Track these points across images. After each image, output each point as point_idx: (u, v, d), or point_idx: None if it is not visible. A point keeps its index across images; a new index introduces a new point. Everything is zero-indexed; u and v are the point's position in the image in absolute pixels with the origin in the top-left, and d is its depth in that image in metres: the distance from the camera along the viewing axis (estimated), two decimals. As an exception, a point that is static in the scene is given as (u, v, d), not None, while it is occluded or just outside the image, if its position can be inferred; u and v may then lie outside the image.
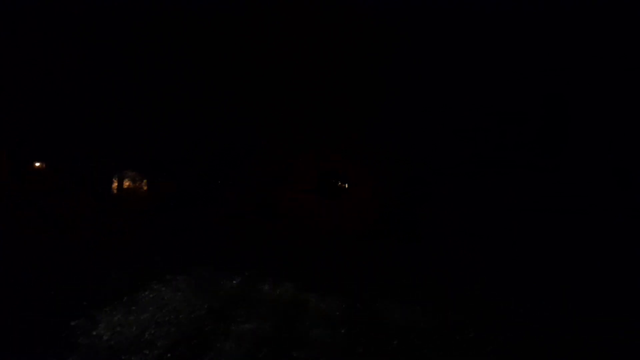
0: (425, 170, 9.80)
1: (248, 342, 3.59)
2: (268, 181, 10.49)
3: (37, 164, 9.76)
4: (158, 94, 9.96)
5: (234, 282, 5.38)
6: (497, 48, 9.26)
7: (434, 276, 6.11)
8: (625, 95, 8.69)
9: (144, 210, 9.77)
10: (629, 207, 8.29)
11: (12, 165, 9.73)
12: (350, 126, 9.99)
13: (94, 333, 3.57)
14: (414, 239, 8.56)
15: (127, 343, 3.45)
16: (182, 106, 10.14)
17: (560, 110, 9.29)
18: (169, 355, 3.28)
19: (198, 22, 9.40)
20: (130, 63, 9.75)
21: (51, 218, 8.31)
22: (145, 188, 10.11)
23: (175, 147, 10.42)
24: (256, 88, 10.01)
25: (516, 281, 6.03)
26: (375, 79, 9.74)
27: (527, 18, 8.93)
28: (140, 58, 9.72)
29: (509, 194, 9.03)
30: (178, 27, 9.42)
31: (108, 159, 10.14)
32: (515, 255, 7.55)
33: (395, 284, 5.61)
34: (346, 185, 10.25)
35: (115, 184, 9.99)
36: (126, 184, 10.11)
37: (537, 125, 9.40)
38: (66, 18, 9.30)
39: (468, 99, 9.59)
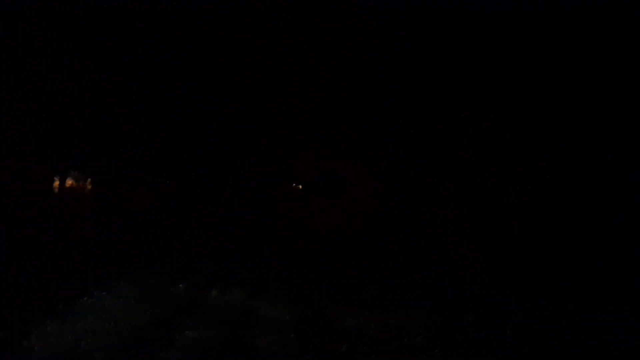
0: (425, 170, 9.80)
1: (192, 351, 3.42)
2: (268, 181, 10.49)
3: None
4: (158, 95, 9.96)
5: (180, 288, 5.16)
6: (497, 48, 9.26)
7: (428, 276, 6.09)
8: (625, 95, 8.69)
9: (144, 210, 9.77)
10: (629, 207, 8.29)
11: (12, 165, 9.72)
12: (350, 126, 9.99)
13: (25, 344, 3.31)
14: (414, 239, 8.56)
15: (61, 355, 3.20)
16: (182, 106, 10.14)
17: (560, 110, 9.29)
18: None
19: (198, 22, 9.40)
20: (130, 63, 9.74)
21: (51, 218, 8.30)
22: (89, 187, 10.00)
23: (175, 147, 10.41)
24: (256, 88, 10.01)
25: (515, 281, 6.03)
26: (375, 79, 9.74)
27: (527, 18, 8.93)
28: (141, 59, 9.71)
29: (509, 194, 9.03)
30: (178, 27, 9.41)
31: (109, 159, 10.14)
32: (515, 255, 7.54)
33: (354, 287, 5.51)
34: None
35: (57, 183, 9.84)
36: (69, 182, 9.97)
37: (537, 125, 9.40)
38: (66, 18, 9.30)
39: (468, 99, 9.59)
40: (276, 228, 9.15)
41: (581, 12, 8.62)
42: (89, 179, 9.96)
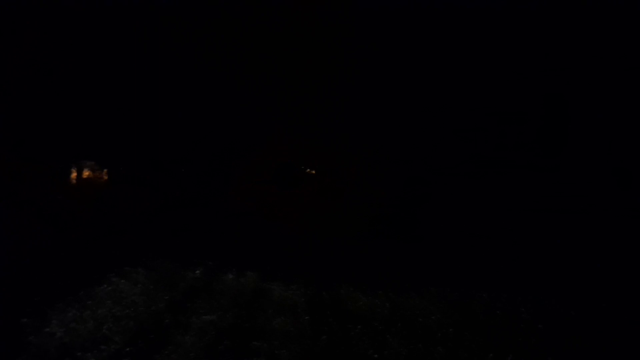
0: (425, 170, 9.80)
1: (209, 334, 3.53)
2: (267, 180, 10.50)
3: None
4: (158, 95, 9.97)
5: (196, 273, 5.30)
6: (497, 48, 9.27)
7: (425, 272, 6.10)
8: (625, 95, 8.69)
9: (144, 210, 9.77)
10: (629, 207, 8.29)
11: (12, 165, 9.73)
12: (350, 126, 10.00)
13: (46, 330, 3.41)
14: (414, 239, 8.56)
15: (82, 339, 3.31)
16: (182, 106, 10.15)
17: (560, 110, 9.29)
18: (127, 350, 3.18)
19: (198, 22, 9.41)
20: (130, 63, 9.76)
21: (51, 218, 8.32)
22: (105, 178, 9.94)
23: (175, 147, 10.43)
24: (256, 88, 10.02)
25: (515, 281, 6.04)
26: (375, 78, 9.75)
27: (526, 17, 8.94)
28: (141, 59, 9.73)
29: (509, 194, 9.04)
30: (177, 27, 9.43)
31: (108, 159, 10.15)
32: (516, 255, 7.55)
33: (366, 271, 5.60)
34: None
35: (74, 174, 9.80)
36: (86, 173, 9.94)
37: (537, 125, 9.40)
38: (66, 18, 9.31)
39: (468, 99, 9.59)
40: (277, 226, 9.16)
41: (581, 11, 8.62)
42: (105, 170, 9.93)
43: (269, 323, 3.78)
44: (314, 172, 10.20)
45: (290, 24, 9.49)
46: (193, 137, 10.52)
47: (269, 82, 9.91)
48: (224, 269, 5.32)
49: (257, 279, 5.06)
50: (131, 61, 9.73)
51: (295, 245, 7.78)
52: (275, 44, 9.68)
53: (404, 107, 9.80)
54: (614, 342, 3.83)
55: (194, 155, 10.60)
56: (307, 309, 4.14)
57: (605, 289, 5.50)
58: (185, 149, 10.56)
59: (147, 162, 10.41)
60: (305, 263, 6.08)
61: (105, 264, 5.28)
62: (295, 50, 9.71)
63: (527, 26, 8.99)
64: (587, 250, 7.31)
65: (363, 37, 9.52)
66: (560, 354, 3.44)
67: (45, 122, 9.78)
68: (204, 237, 7.70)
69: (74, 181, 9.69)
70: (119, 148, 10.22)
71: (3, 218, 8.06)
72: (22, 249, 6.18)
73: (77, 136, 10.02)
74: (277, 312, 4.05)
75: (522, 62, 9.25)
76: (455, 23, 9.16)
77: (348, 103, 9.85)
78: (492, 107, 9.51)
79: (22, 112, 9.61)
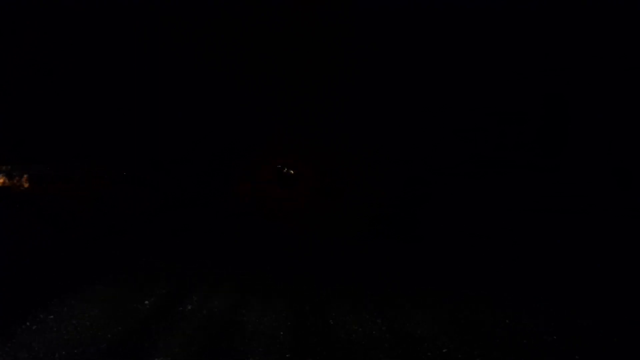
0: (425, 170, 9.80)
1: None
2: (267, 180, 10.50)
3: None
4: (158, 94, 9.97)
5: (162, 292, 4.58)
6: (497, 48, 9.27)
7: (429, 275, 6.10)
8: (625, 95, 8.69)
9: (144, 211, 9.77)
10: (629, 207, 8.29)
11: (12, 165, 9.72)
12: (349, 126, 10.00)
13: None
14: (414, 239, 8.56)
15: None
16: (182, 106, 10.15)
17: (560, 110, 9.30)
18: None
19: (197, 22, 9.40)
20: (130, 63, 9.75)
21: (51, 218, 8.31)
22: (26, 185, 9.55)
23: (175, 147, 10.42)
24: (256, 87, 10.01)
25: (515, 281, 6.04)
26: (376, 78, 9.75)
27: (527, 18, 8.94)
28: (141, 59, 9.72)
29: (509, 194, 9.04)
30: (177, 27, 9.42)
31: (108, 159, 10.15)
32: (515, 255, 7.55)
33: (354, 286, 5.42)
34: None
35: (1, 180, 9.38)
36: (0, 180, 9.53)
37: (537, 125, 9.40)
38: (66, 18, 9.30)
39: (468, 99, 9.59)
40: (274, 227, 9.15)
41: (581, 11, 8.62)
42: (25, 176, 9.42)
43: (248, 343, 3.40)
44: (292, 172, 10.19)
45: (290, 24, 9.48)
46: (193, 137, 10.51)
47: (269, 82, 9.90)
48: (183, 296, 4.47)
49: (227, 306, 4.34)
50: (131, 61, 9.73)
51: (293, 245, 7.77)
52: (275, 44, 9.67)
53: (404, 107, 9.80)
54: (615, 342, 3.83)
55: (194, 155, 10.60)
56: (290, 343, 3.67)
57: (605, 289, 5.51)
58: (185, 149, 10.56)
59: (147, 162, 10.41)
60: (299, 266, 5.97)
61: (59, 280, 4.49)
62: (295, 50, 9.70)
63: (527, 26, 8.99)
64: (587, 250, 7.32)
65: (363, 37, 9.51)
66: None
67: (45, 122, 9.77)
68: (201, 237, 7.66)
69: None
70: (119, 148, 10.21)
71: (3, 218, 8.05)
72: (22, 249, 6.17)
73: (76, 136, 10.01)
74: (252, 348, 3.50)
75: (522, 62, 9.25)
76: (455, 23, 9.16)
77: (348, 103, 9.85)
78: (492, 107, 9.52)
79: (22, 112, 9.60)
